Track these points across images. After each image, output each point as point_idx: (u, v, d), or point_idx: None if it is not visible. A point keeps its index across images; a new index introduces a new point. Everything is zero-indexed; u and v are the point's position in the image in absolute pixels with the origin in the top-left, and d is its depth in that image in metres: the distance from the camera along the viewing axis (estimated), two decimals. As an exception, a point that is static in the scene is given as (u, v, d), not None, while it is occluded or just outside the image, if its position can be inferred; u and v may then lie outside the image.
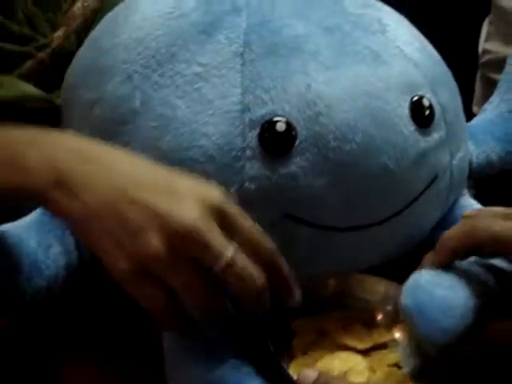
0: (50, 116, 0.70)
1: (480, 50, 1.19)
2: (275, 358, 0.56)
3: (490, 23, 1.17)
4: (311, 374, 0.52)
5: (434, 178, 0.63)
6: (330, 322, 0.61)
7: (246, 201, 0.57)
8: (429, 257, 0.55)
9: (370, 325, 0.62)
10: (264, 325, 0.57)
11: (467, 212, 0.57)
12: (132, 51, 0.61)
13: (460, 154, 0.66)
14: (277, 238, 0.58)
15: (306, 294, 0.61)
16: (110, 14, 0.68)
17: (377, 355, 0.59)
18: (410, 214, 0.62)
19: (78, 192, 0.50)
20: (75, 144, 0.53)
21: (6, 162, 0.51)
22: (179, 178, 0.53)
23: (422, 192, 0.63)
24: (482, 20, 1.23)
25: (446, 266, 0.54)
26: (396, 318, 0.60)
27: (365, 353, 0.59)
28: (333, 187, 0.58)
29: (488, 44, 1.16)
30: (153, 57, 0.61)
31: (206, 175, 0.57)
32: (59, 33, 0.77)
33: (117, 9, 0.68)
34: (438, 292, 0.53)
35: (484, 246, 0.53)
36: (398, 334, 0.60)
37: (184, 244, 0.49)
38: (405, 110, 0.61)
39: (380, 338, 0.60)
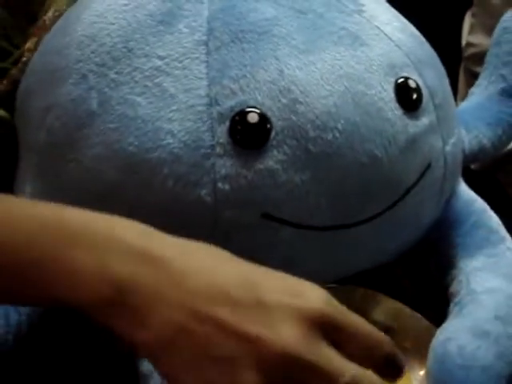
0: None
1: (463, 43, 1.15)
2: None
3: (473, 15, 1.12)
4: None
5: (428, 167, 0.58)
6: None
7: (220, 203, 0.51)
8: None
9: None
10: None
11: None
12: (85, 49, 0.56)
13: (453, 140, 0.60)
14: (256, 240, 0.53)
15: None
16: (63, 15, 0.62)
17: None
18: (403, 208, 0.57)
19: (143, 314, 0.39)
20: (136, 241, 0.41)
21: (32, 261, 0.40)
22: (265, 280, 0.41)
23: (416, 183, 0.57)
24: (464, 12, 1.19)
25: None
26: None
27: None
28: (316, 182, 0.52)
29: (471, 37, 1.12)
30: (108, 53, 0.55)
31: (174, 177, 0.52)
32: (30, 44, 0.71)
33: (70, 9, 0.62)
34: None
35: None
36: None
37: (288, 375, 0.39)
38: (390, 93, 0.55)
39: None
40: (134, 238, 0.41)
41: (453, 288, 0.61)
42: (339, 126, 0.53)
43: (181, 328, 0.39)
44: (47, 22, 0.68)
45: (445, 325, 0.57)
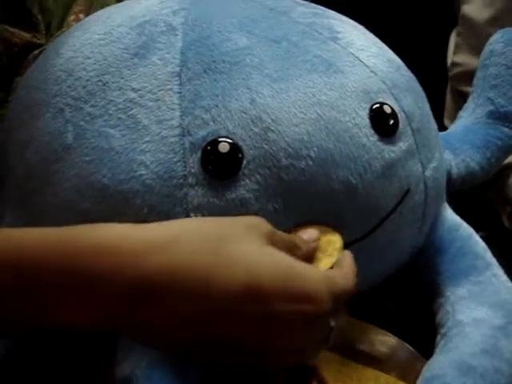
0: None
1: (449, 62, 1.15)
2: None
3: (458, 35, 1.12)
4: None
5: (406, 193, 0.57)
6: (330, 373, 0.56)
7: (192, 232, 0.51)
8: None
9: None
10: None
11: None
12: (62, 84, 0.56)
13: (433, 164, 0.60)
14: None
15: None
16: (44, 51, 0.63)
17: None
18: (382, 234, 0.56)
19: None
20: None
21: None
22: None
23: (394, 209, 0.57)
24: (449, 32, 1.18)
25: None
26: None
27: None
28: (289, 211, 0.52)
29: (457, 56, 1.11)
30: (84, 87, 0.56)
31: (148, 207, 0.52)
32: (15, 85, 0.72)
33: (49, 44, 0.63)
34: None
35: None
36: None
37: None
38: (364, 119, 0.55)
39: None
40: None
41: (439, 317, 0.60)
42: (312, 154, 0.53)
43: None
44: (31, 61, 0.70)
45: (431, 361, 0.56)
